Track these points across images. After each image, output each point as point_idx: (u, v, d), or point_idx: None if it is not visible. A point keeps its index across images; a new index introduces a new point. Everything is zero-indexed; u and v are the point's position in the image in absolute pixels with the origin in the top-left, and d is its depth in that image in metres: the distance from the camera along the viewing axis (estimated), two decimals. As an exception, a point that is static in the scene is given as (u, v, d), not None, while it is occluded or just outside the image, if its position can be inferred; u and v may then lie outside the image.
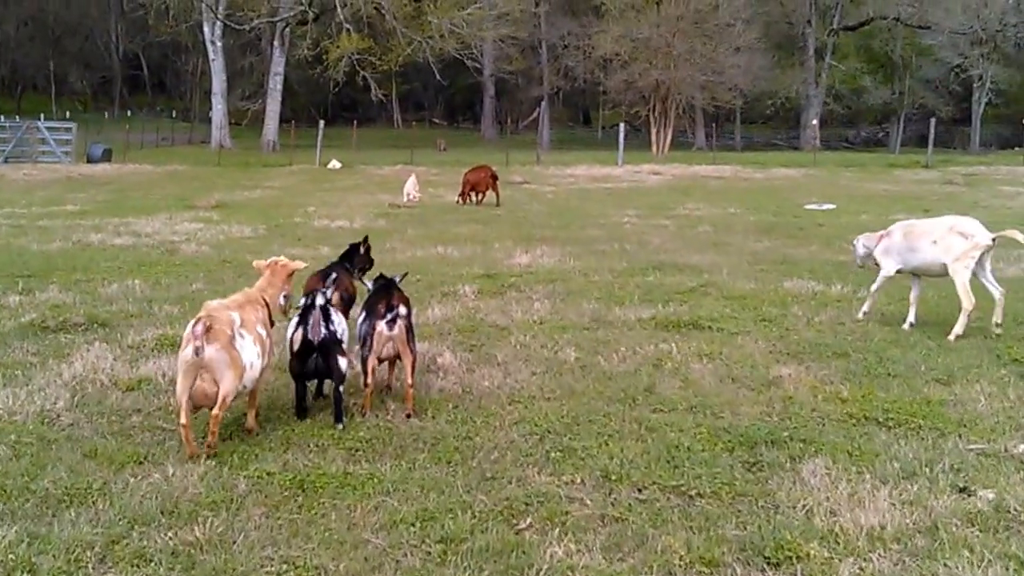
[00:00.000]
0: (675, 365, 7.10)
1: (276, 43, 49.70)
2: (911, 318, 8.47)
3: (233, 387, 5.04)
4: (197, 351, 4.88)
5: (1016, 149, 45.35)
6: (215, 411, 4.98)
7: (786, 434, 5.36)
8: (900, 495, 4.47)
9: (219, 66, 49.45)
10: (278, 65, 49.60)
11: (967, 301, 7.86)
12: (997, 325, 8.04)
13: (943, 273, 8.16)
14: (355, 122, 46.84)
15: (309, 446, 5.25)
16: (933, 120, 39.39)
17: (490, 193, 21.21)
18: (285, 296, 6.07)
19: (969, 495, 4.45)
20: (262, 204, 21.51)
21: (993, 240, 8.02)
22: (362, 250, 7.61)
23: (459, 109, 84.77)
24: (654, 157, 43.62)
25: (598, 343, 7.83)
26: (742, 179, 31.78)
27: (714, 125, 51.79)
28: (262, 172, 33.57)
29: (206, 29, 49.18)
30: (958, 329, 7.89)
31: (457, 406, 5.99)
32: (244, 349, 5.14)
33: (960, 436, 5.38)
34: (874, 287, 8.78)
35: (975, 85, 57.64)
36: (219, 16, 47.96)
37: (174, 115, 56.62)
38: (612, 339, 7.98)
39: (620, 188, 27.72)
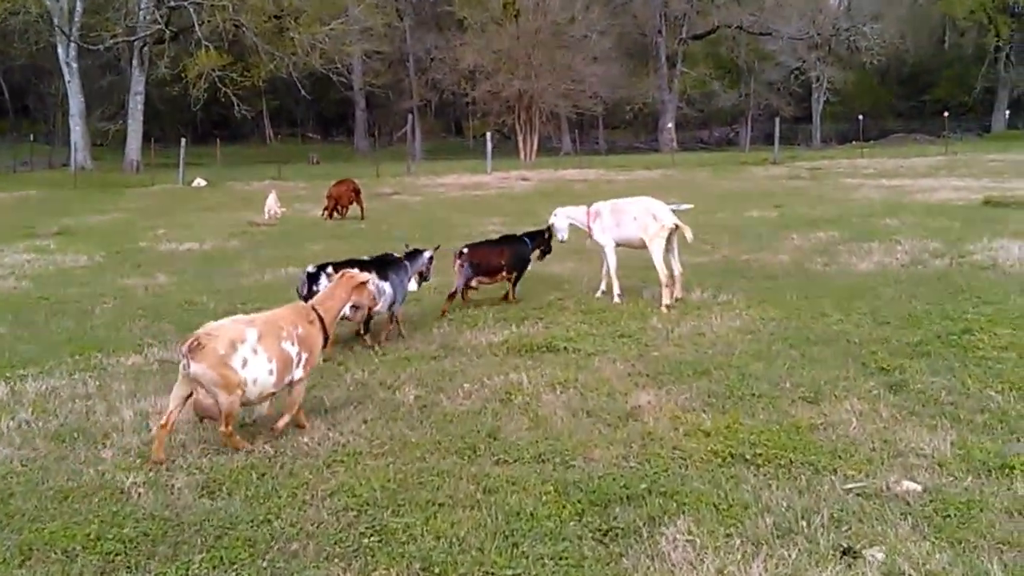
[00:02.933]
0: (525, 398, 6.30)
1: (135, 62, 47.37)
2: (604, 288, 9.86)
3: (228, 403, 5.17)
4: (184, 367, 5.12)
5: (853, 143, 47.27)
6: (220, 428, 5.29)
7: (644, 486, 4.60)
8: (776, 566, 3.75)
9: (75, 87, 46.58)
10: (138, 84, 47.15)
11: (662, 274, 9.14)
12: (676, 301, 9.23)
13: (643, 246, 9.39)
14: (222, 139, 45.52)
15: (54, 553, 4.11)
16: (778, 119, 40.60)
17: (356, 207, 20.66)
18: (353, 307, 6.49)
19: (855, 557, 3.77)
20: (110, 228, 19.90)
21: (676, 226, 9.19)
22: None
23: (332, 123, 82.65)
24: (522, 163, 43.82)
25: (443, 376, 6.98)
26: (606, 182, 31.79)
27: (579, 131, 52.26)
28: (120, 194, 31.35)
29: (60, 50, 46.35)
30: (666, 300, 9.12)
31: (264, 474, 4.98)
32: (248, 366, 5.24)
33: (836, 472, 4.75)
34: (607, 269, 9.79)
35: (814, 86, 60.11)
36: (72, 37, 45.17)
37: (32, 139, 52.49)
38: (459, 370, 7.15)
39: (489, 195, 27.36)
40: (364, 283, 6.33)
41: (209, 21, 45.50)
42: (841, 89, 62.90)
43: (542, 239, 10.18)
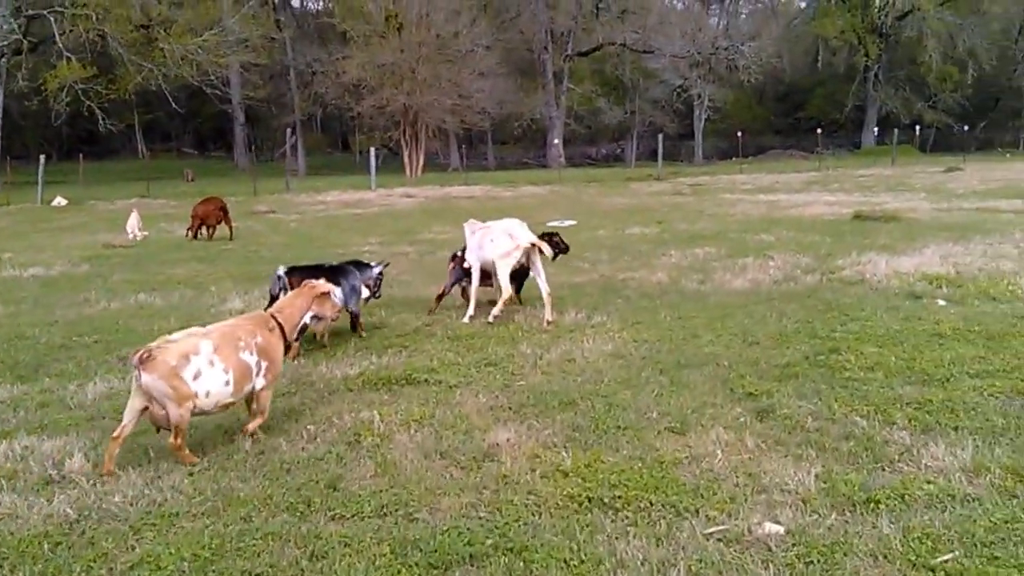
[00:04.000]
0: (375, 440, 5.80)
1: (-9, 75, 44.68)
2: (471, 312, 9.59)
3: (177, 416, 5.23)
4: (136, 379, 5.20)
5: (733, 159, 48.58)
6: (170, 440, 5.33)
7: (491, 541, 4.17)
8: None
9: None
10: (-7, 98, 44.47)
11: (505, 292, 9.21)
12: (548, 323, 9.07)
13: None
14: (91, 155, 43.33)
15: None
16: (661, 136, 41.27)
17: (226, 227, 19.75)
18: (315, 317, 6.53)
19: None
20: (-50, 254, 18.22)
21: (532, 244, 9.17)
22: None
23: (210, 138, 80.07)
24: (407, 180, 43.27)
25: (288, 416, 6.41)
26: (492, 198, 31.63)
27: (468, 146, 52.07)
28: (-30, 216, 29.25)
29: (-92, 65, 43.36)
30: (495, 311, 9.26)
31: (59, 544, 4.34)
32: (201, 378, 5.32)
33: (698, 513, 4.44)
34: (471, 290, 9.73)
35: (695, 103, 61.61)
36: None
37: None
38: (307, 408, 6.60)
39: (370, 213, 26.78)
40: (326, 293, 6.46)
41: (71, 31, 43.50)
42: (721, 107, 64.85)
43: (548, 243, 9.99)
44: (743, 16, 76.31)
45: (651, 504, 4.57)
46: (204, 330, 5.64)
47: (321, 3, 71.49)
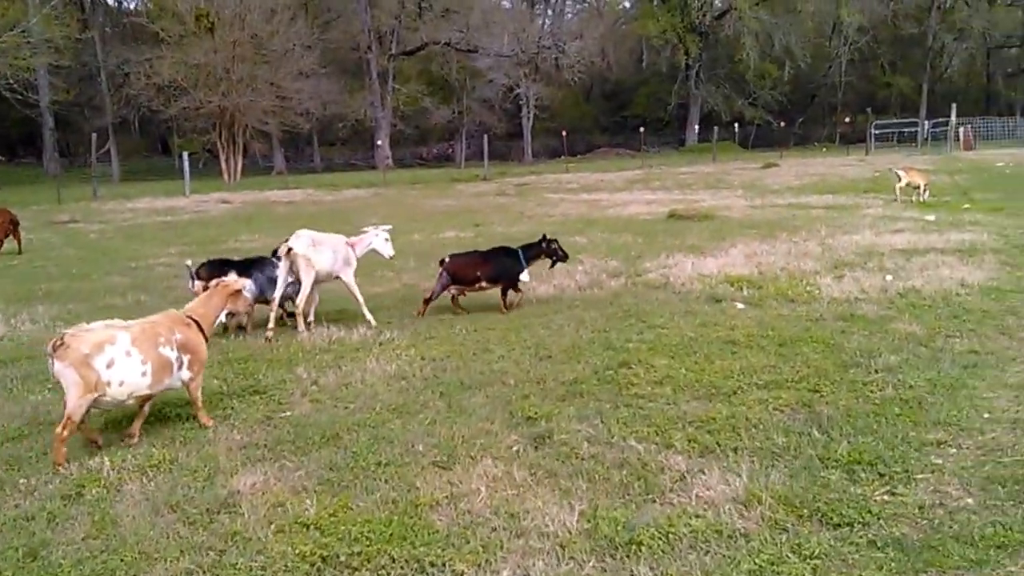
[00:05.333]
0: (101, 491, 5.01)
1: None
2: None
3: (76, 404, 5.31)
4: (49, 365, 5.38)
5: (561, 158, 49.07)
6: (57, 429, 5.39)
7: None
8: None
9: None
10: None
11: (275, 307, 9.10)
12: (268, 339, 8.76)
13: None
14: None
15: None
16: (486, 137, 41.17)
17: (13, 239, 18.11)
18: (229, 313, 6.88)
19: None
20: None
21: (289, 250, 8.92)
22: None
23: (19, 143, 73.92)
24: (225, 185, 41.18)
25: (13, 465, 5.51)
26: (313, 202, 30.55)
27: (295, 148, 50.17)
28: None
29: None
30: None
31: None
32: (115, 367, 5.46)
33: (444, 568, 3.93)
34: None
35: (523, 103, 61.91)
36: None
37: None
38: (34, 455, 5.70)
39: (180, 221, 25.14)
40: (239, 291, 6.62)
41: None
42: (549, 106, 65.46)
43: (540, 249, 10.20)
44: (569, 16, 77.61)
45: (393, 560, 4.02)
46: (125, 323, 5.82)
47: (135, 2, 67.49)
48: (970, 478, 4.68)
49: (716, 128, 52.07)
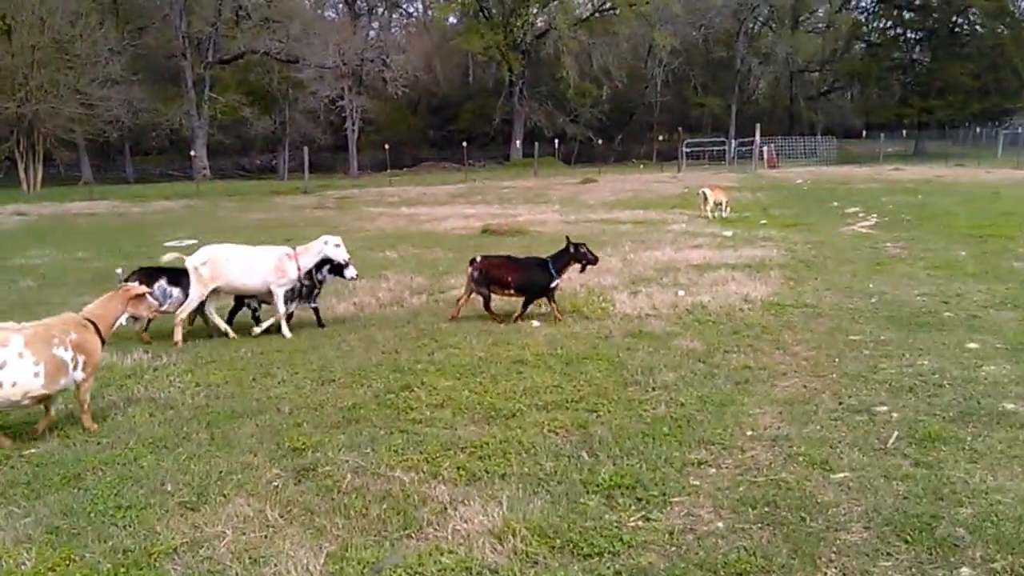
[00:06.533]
0: None
1: None
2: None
3: None
4: None
5: (387, 172, 48.55)
6: None
7: None
8: None
9: None
10: None
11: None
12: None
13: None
14: None
15: None
16: (306, 149, 40.26)
17: None
18: (132, 317, 7.32)
19: None
20: None
21: (196, 267, 9.11)
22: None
23: None
24: (23, 196, 38.22)
25: None
26: (117, 215, 28.81)
27: (104, 158, 47.04)
28: None
29: None
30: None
31: None
32: (7, 368, 5.63)
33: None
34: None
35: (347, 115, 60.90)
36: None
37: None
38: None
39: (-41, 238, 22.81)
40: (141, 295, 6.71)
41: None
42: (375, 119, 64.78)
43: (569, 256, 9.82)
44: (395, 29, 77.15)
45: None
46: (18, 326, 5.90)
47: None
48: (724, 500, 4.72)
49: (538, 144, 52.99)
